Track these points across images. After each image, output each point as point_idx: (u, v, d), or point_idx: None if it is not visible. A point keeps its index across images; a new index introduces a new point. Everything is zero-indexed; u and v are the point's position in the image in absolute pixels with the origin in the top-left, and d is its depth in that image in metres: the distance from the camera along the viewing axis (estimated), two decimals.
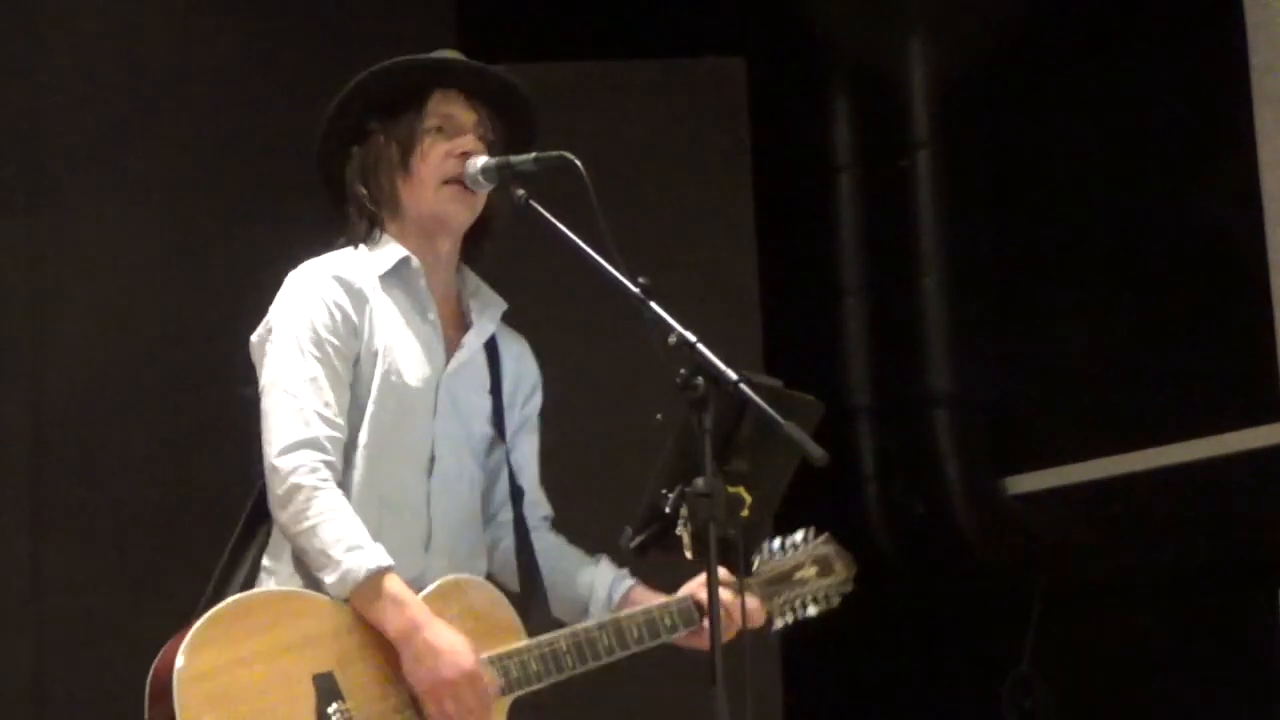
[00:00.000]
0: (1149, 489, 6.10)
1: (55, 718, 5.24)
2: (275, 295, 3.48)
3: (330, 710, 3.16)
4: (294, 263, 3.53)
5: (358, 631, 3.25)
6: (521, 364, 3.63)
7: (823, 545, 3.66)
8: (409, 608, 3.24)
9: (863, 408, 6.57)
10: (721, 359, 2.97)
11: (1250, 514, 5.94)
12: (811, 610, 3.61)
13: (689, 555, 3.03)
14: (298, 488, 3.25)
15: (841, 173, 6.67)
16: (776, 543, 3.61)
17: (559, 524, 3.68)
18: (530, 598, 3.47)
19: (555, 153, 3.31)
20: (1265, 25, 5.71)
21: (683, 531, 2.99)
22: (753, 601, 3.51)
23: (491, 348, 3.57)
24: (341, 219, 3.54)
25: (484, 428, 3.54)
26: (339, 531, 3.23)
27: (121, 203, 5.45)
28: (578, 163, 3.23)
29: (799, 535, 3.65)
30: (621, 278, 3.13)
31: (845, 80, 6.71)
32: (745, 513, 2.98)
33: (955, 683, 6.44)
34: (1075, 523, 6.32)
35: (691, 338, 3.00)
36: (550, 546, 3.60)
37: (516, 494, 3.55)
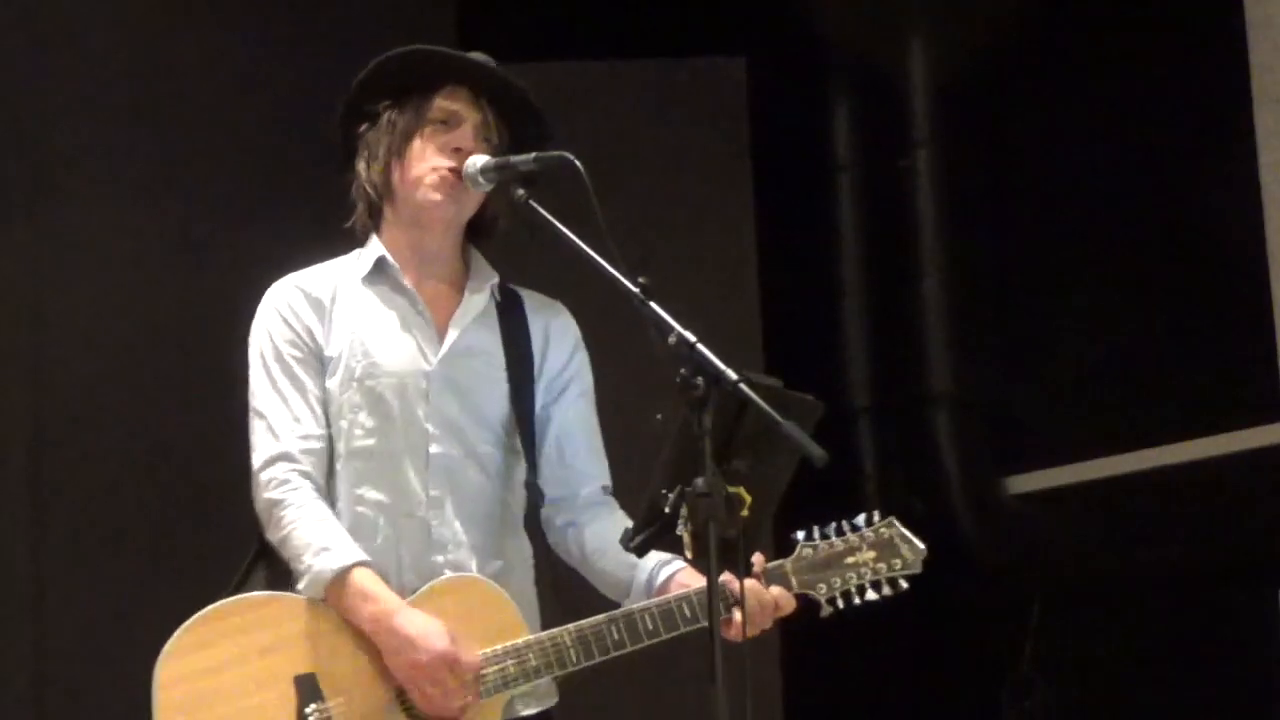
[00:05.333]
0: (1149, 489, 6.10)
1: (55, 718, 5.24)
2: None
3: (308, 711, 3.19)
4: (294, 263, 3.54)
5: (342, 631, 3.27)
6: (551, 332, 3.58)
7: (885, 528, 3.53)
8: (378, 600, 3.27)
9: (863, 408, 6.57)
10: (721, 359, 2.97)
11: (1250, 514, 5.94)
12: (871, 595, 3.49)
13: (689, 555, 3.02)
14: (270, 502, 3.32)
15: (841, 173, 6.67)
16: (832, 526, 3.50)
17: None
18: (551, 597, 3.46)
19: (555, 153, 3.30)
20: (1265, 25, 5.71)
21: (683, 531, 2.99)
22: (777, 590, 3.42)
23: (510, 321, 3.54)
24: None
25: (500, 408, 3.49)
26: (308, 536, 3.29)
27: (121, 203, 5.45)
28: (577, 163, 3.22)
29: (860, 518, 3.52)
30: (621, 278, 3.13)
31: (845, 80, 6.70)
32: (745, 513, 2.97)
33: (955, 683, 6.44)
34: (1075, 523, 6.32)
35: (691, 338, 2.99)
36: (605, 525, 3.50)
37: (534, 495, 3.50)
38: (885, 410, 6.57)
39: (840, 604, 3.48)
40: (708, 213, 6.00)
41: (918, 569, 3.55)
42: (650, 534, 3.13)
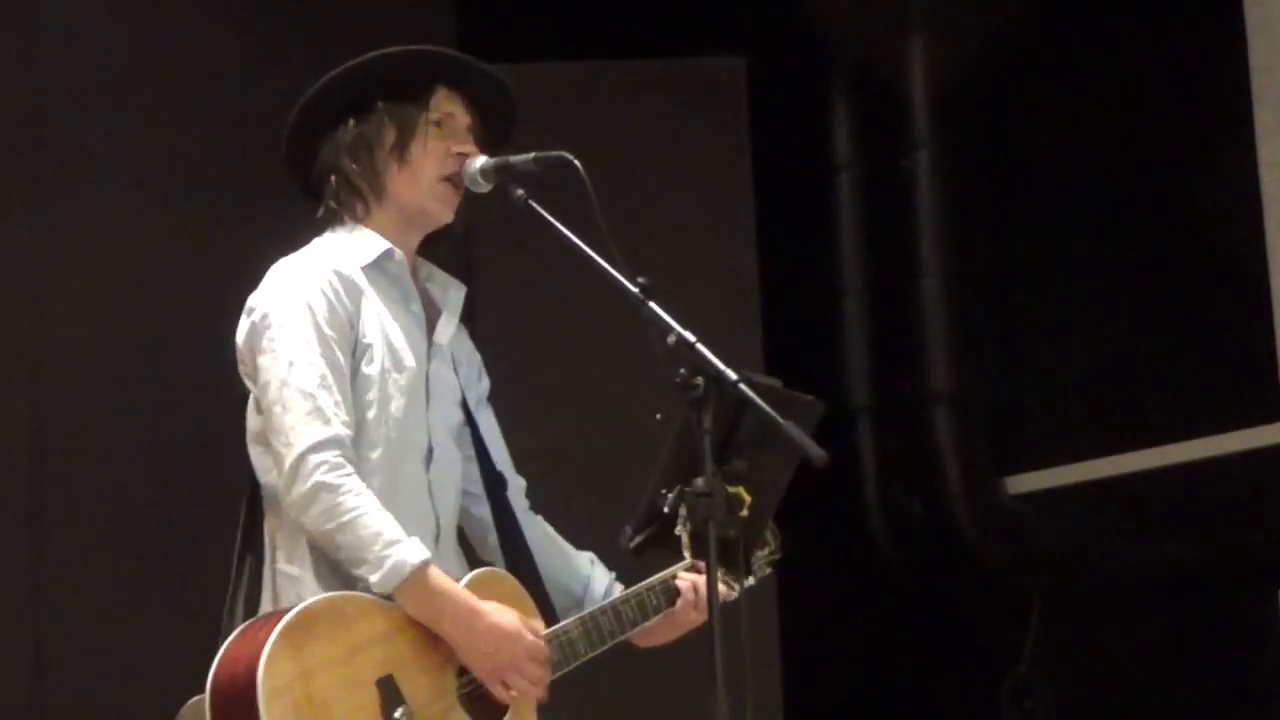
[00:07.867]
0: (1149, 489, 6.10)
1: (55, 718, 5.24)
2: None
3: (397, 715, 3.18)
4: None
5: (408, 631, 3.25)
6: (462, 342, 3.62)
7: None
8: (457, 596, 3.26)
9: (863, 408, 6.57)
10: (721, 359, 2.97)
11: (1250, 514, 5.94)
12: (749, 581, 3.60)
13: (688, 555, 3.03)
14: (324, 485, 3.22)
15: (841, 173, 6.67)
16: None
17: (557, 522, 3.67)
18: (532, 587, 3.47)
19: (555, 153, 3.31)
20: (1265, 25, 5.71)
21: (682, 531, 2.99)
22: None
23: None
24: (308, 192, 3.52)
25: (457, 411, 3.54)
26: (376, 526, 3.22)
27: (122, 202, 5.45)
28: (577, 163, 3.23)
29: None
30: (621, 278, 3.13)
31: (845, 80, 6.71)
32: (745, 512, 2.98)
33: (955, 683, 6.44)
34: (1075, 523, 6.33)
35: (691, 338, 3.00)
36: (540, 535, 3.59)
37: (497, 482, 3.54)
38: (885, 410, 6.57)
39: (735, 590, 3.58)
40: (708, 213, 6.00)
41: (779, 554, 3.70)
42: (650, 534, 3.14)
